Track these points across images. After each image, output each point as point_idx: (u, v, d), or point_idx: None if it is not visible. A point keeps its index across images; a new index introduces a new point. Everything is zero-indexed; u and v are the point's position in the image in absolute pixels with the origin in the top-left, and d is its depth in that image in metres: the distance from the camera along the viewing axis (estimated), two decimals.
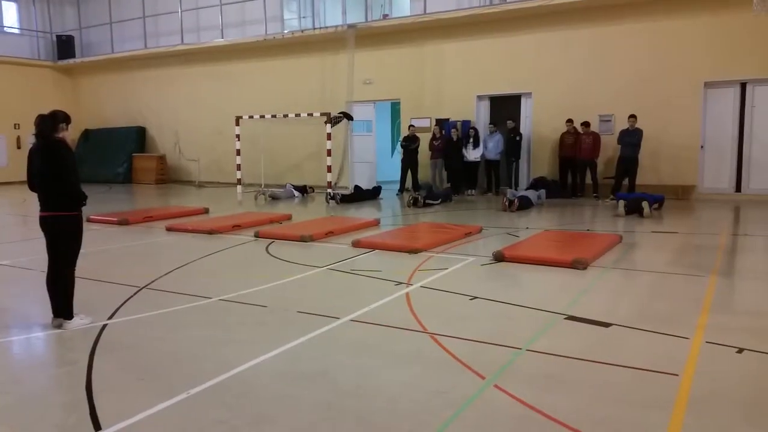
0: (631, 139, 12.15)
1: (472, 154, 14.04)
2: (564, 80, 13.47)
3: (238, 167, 16.18)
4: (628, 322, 4.55)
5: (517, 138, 13.75)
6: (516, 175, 13.87)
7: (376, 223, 9.74)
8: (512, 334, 4.35)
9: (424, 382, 3.54)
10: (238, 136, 16.10)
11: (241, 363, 3.81)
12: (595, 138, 12.82)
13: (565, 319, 4.66)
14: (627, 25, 12.83)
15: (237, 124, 16.08)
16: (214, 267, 6.98)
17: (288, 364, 3.86)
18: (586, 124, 12.85)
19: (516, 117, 14.19)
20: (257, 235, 8.64)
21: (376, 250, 7.50)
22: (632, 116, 12.17)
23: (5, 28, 20.40)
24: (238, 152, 16.12)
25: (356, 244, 7.74)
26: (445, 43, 14.72)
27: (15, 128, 19.65)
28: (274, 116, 15.62)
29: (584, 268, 6.28)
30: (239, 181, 16.21)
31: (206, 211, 11.61)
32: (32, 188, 4.67)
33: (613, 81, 12.99)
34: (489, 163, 14.16)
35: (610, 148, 12.86)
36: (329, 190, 14.01)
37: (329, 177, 14.80)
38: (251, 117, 15.89)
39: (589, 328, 4.47)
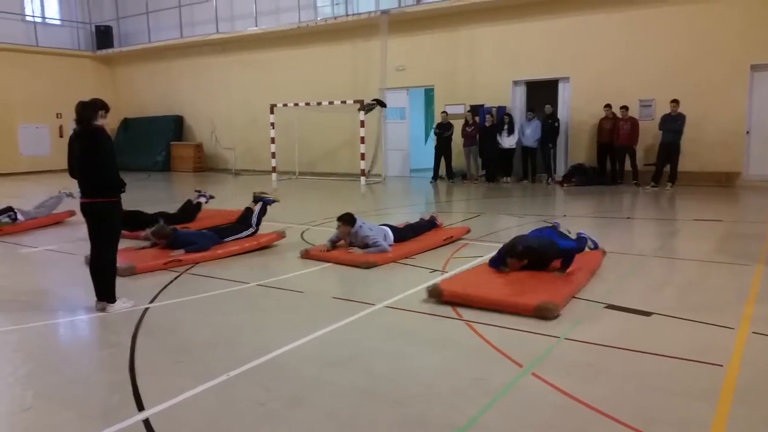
0: (673, 124, 11.78)
1: (507, 142, 13.80)
2: (603, 64, 13.12)
3: (273, 155, 16.33)
4: (669, 311, 4.44)
5: (555, 124, 13.48)
6: (554, 162, 13.63)
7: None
8: (550, 322, 4.28)
9: (460, 369, 3.53)
10: (272, 124, 16.24)
11: (278, 347, 3.85)
12: (634, 124, 12.47)
13: (604, 307, 4.58)
14: (668, 6, 12.39)
15: (272, 112, 16.20)
16: (250, 253, 7.06)
17: (324, 349, 3.89)
18: (625, 108, 12.52)
19: (553, 102, 13.91)
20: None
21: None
22: (674, 101, 11.79)
23: (47, 20, 20.93)
24: (273, 140, 16.26)
25: None
26: (479, 27, 14.48)
27: (57, 117, 20.17)
28: (307, 104, 15.69)
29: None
30: (274, 169, 16.36)
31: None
32: (72, 175, 4.77)
33: (654, 64, 12.59)
34: (526, 150, 13.89)
35: (650, 134, 12.50)
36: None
37: (362, 165, 14.82)
38: (285, 105, 15.98)
39: (630, 316, 4.38)
